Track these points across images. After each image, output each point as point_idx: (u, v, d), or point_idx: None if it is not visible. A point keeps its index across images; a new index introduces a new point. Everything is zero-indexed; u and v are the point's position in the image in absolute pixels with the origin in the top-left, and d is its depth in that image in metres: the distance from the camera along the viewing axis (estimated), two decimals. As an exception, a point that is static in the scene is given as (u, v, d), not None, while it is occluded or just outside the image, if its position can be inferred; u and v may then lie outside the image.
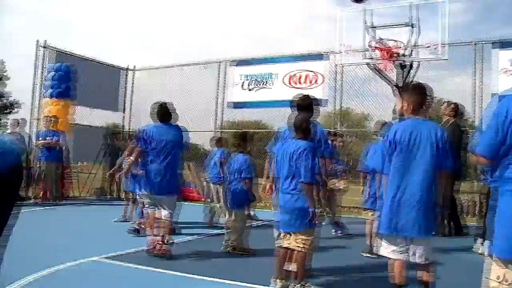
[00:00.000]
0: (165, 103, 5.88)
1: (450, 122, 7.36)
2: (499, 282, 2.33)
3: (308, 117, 4.48)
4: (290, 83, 11.85)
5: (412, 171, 3.42)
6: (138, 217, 7.06)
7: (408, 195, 3.39)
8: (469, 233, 7.44)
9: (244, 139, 6.25)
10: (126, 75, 14.58)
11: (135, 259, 5.33)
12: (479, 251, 5.91)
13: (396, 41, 8.44)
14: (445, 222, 7.25)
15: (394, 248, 3.53)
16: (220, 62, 13.08)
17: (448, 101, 7.72)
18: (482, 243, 5.88)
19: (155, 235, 5.51)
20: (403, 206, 3.38)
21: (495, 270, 2.37)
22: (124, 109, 14.49)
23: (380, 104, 10.52)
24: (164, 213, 5.54)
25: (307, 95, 5.03)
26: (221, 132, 14.31)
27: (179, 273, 4.75)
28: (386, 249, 3.59)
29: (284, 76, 11.92)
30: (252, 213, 7.54)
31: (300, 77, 11.76)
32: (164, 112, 5.76)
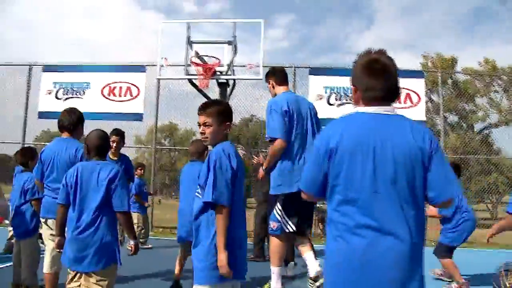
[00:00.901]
0: None
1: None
2: None
3: (105, 134, 3.72)
4: (109, 95, 10.93)
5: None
6: None
7: None
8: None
9: (26, 155, 5.20)
10: None
11: None
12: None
13: (216, 58, 8.17)
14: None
15: None
16: (31, 66, 11.60)
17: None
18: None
19: None
20: None
21: None
22: None
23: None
24: None
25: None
26: (36, 144, 12.86)
27: None
28: None
29: (104, 88, 10.96)
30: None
31: (120, 89, 10.92)
32: None
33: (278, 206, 4.24)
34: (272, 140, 4.19)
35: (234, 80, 8.51)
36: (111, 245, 3.25)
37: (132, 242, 3.45)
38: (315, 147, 2.06)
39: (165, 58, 8.45)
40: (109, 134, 4.69)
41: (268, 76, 4.68)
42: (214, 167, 2.68)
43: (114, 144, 5.51)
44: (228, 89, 8.58)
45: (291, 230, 4.20)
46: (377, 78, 2.01)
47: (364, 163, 1.91)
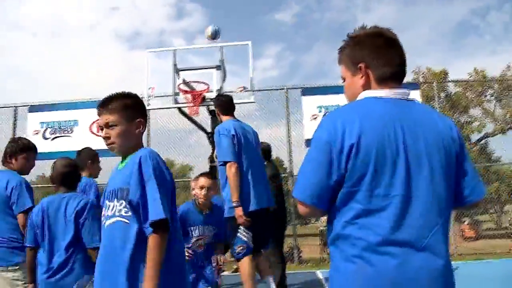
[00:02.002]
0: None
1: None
2: None
3: (72, 161, 3.40)
4: (98, 131, 10.60)
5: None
6: None
7: None
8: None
9: None
10: None
11: None
12: None
13: (204, 83, 7.94)
14: None
15: None
16: (16, 107, 11.30)
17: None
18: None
19: None
20: None
21: None
22: None
23: (202, 153, 10.03)
24: None
25: None
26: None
27: None
28: None
29: (92, 124, 10.65)
30: None
31: (109, 124, 10.60)
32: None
33: (241, 227, 4.15)
34: (224, 164, 4.21)
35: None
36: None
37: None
38: (319, 144, 1.56)
39: (151, 88, 8.20)
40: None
41: (215, 104, 4.87)
42: (154, 175, 2.01)
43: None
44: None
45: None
46: (396, 49, 1.64)
47: (394, 162, 1.49)
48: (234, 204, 4.13)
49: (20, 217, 3.40)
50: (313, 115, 10.26)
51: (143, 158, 2.06)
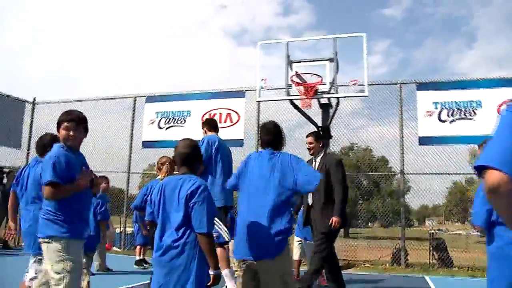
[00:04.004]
0: (48, 134, 4.60)
1: (321, 154, 5.89)
2: None
3: (194, 142, 3.46)
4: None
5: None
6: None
7: None
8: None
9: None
10: (33, 109, 13.13)
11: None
12: None
13: (318, 75, 7.77)
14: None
15: None
16: (136, 97, 12.02)
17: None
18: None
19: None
20: None
21: None
22: (28, 147, 12.88)
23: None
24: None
25: None
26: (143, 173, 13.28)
27: None
28: None
29: (204, 115, 10.99)
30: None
31: (220, 115, 10.90)
32: (40, 145, 4.48)
33: (216, 219, 4.68)
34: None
35: (338, 99, 8.01)
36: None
37: (211, 272, 2.97)
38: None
39: (264, 79, 8.23)
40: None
41: (202, 124, 6.17)
42: None
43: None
44: (331, 110, 8.09)
45: (227, 239, 5.26)
46: None
47: None
48: None
49: (43, 189, 3.39)
50: (427, 112, 9.69)
51: None
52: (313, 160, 5.81)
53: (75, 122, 3.51)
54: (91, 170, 3.67)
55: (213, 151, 5.58)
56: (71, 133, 3.49)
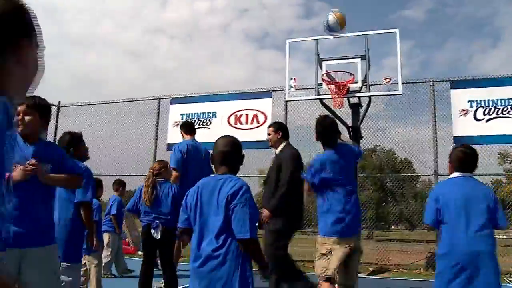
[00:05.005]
0: (67, 133, 4.53)
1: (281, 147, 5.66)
2: None
3: (235, 140, 3.19)
4: (235, 123, 10.75)
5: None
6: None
7: None
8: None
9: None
10: (57, 112, 13.12)
11: None
12: None
13: (349, 73, 7.48)
14: None
15: None
16: (160, 99, 11.89)
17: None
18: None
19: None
20: None
21: None
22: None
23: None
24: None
25: None
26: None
27: None
28: None
29: (230, 116, 10.80)
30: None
31: (246, 116, 10.68)
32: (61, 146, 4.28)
33: None
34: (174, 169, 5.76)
35: (370, 99, 7.70)
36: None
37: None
38: None
39: (294, 78, 7.99)
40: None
41: (180, 127, 6.44)
42: None
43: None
44: (361, 109, 7.75)
45: None
46: None
47: None
48: None
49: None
50: (462, 110, 9.30)
51: None
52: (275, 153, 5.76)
53: (26, 106, 3.00)
54: (38, 163, 2.97)
55: (184, 158, 5.81)
56: (20, 116, 2.98)
